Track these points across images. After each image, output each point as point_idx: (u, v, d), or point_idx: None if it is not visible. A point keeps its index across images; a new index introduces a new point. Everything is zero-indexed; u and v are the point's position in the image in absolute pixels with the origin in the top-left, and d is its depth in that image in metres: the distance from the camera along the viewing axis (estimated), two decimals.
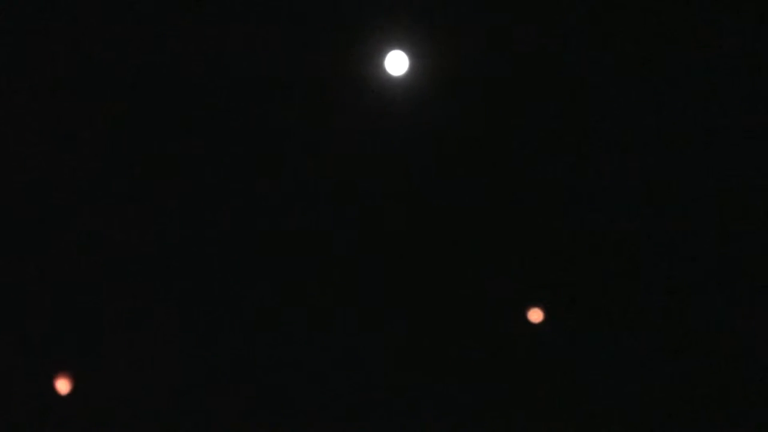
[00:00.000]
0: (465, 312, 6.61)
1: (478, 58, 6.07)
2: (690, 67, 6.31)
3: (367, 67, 5.96)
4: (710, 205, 6.44)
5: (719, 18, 6.20)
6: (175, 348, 6.51)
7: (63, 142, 6.25)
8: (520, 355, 6.63)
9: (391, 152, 6.22)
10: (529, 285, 6.57)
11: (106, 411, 6.46)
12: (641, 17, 6.16)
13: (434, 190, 6.38)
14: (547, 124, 6.29)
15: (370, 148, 6.19)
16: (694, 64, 6.30)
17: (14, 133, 6.21)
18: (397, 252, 6.51)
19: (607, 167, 6.39)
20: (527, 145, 6.32)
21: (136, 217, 6.35)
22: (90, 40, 6.10)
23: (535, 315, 6.54)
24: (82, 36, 6.08)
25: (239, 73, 6.11)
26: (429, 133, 6.20)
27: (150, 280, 6.43)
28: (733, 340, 6.52)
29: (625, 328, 6.57)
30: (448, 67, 6.01)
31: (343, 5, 5.93)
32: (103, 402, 6.46)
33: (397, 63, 5.84)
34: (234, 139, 6.24)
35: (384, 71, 5.90)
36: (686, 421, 6.56)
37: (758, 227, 6.45)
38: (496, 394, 6.64)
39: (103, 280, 6.40)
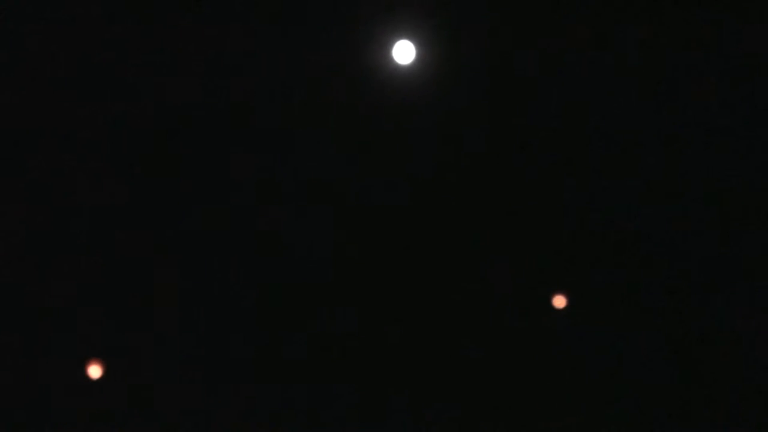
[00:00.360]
0: (473, 303, 6.64)
1: (484, 47, 6.11)
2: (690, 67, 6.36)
3: (376, 57, 6.01)
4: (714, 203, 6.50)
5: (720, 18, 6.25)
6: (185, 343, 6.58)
7: (63, 142, 6.29)
8: (533, 348, 6.67)
9: (398, 140, 6.27)
10: (536, 276, 6.60)
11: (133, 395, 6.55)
12: (646, 15, 6.21)
13: (441, 177, 6.43)
14: (554, 114, 6.32)
15: (378, 135, 6.25)
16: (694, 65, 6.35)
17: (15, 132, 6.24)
18: (404, 242, 6.55)
19: (613, 156, 6.44)
20: (534, 134, 6.36)
21: (138, 215, 6.40)
22: (90, 40, 6.12)
23: (559, 301, 6.58)
24: (82, 36, 6.11)
25: (247, 65, 6.13)
26: (436, 120, 6.24)
27: (157, 275, 6.48)
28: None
29: (634, 324, 6.61)
30: (454, 56, 6.06)
31: None
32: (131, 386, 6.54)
33: (404, 52, 5.89)
34: (242, 130, 6.28)
35: (392, 60, 5.96)
36: (690, 418, 6.59)
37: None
38: (507, 388, 6.67)
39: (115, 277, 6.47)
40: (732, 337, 6.54)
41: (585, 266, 6.58)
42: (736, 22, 6.23)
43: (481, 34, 6.08)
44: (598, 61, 6.23)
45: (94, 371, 6.37)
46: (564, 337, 6.64)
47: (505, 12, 6.07)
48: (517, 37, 6.13)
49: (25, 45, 6.13)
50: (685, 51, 6.29)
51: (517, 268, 6.59)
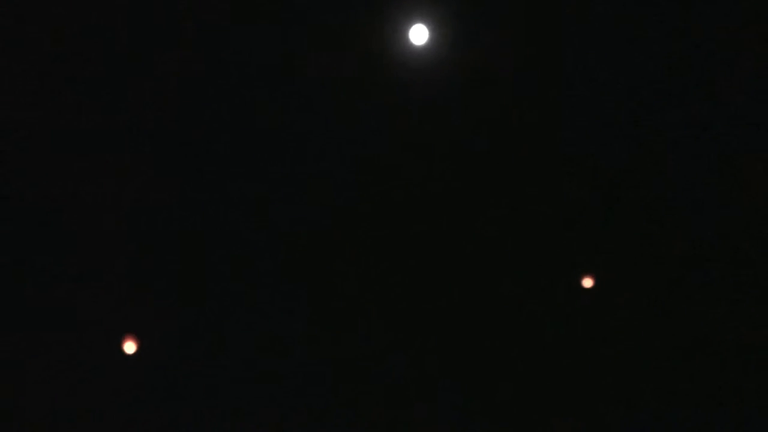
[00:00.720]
0: (499, 283, 6.67)
1: (494, 29, 6.21)
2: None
3: (392, 39, 6.15)
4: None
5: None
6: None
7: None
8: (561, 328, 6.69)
9: (414, 116, 6.36)
10: (564, 256, 6.63)
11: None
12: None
13: (458, 154, 6.50)
14: (570, 93, 6.36)
15: (395, 113, 6.35)
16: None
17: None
18: (423, 221, 6.59)
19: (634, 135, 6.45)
20: (549, 112, 6.39)
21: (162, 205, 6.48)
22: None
23: (587, 281, 6.63)
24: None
25: (267, 49, 6.21)
26: (449, 98, 6.33)
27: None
28: None
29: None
30: (465, 38, 6.17)
31: None
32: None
33: (419, 35, 6.04)
34: (266, 113, 6.34)
35: (408, 42, 6.12)
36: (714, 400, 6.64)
37: None
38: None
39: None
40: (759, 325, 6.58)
41: (612, 246, 6.61)
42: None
43: (491, 17, 6.18)
44: (613, 40, 6.26)
45: (129, 347, 6.46)
46: (592, 317, 6.66)
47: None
48: (525, 21, 6.23)
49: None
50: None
51: (542, 247, 6.62)
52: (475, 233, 6.59)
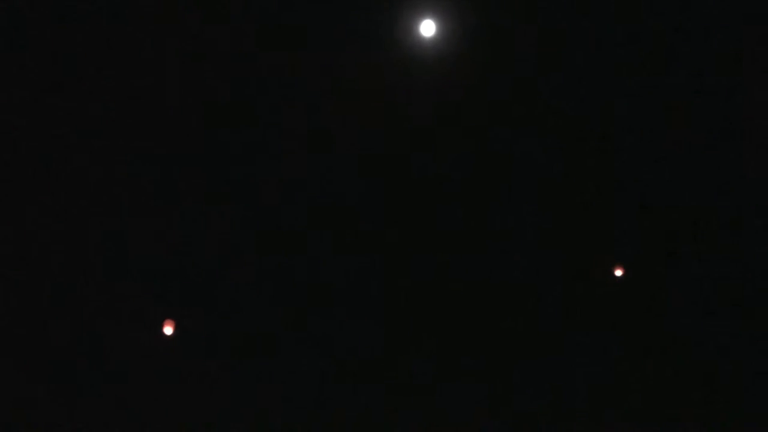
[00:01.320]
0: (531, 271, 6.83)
1: (493, 24, 6.38)
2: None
3: (405, 33, 6.37)
4: None
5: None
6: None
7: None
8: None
9: (423, 102, 6.53)
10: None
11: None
12: None
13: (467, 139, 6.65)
14: (571, 85, 6.48)
15: (406, 98, 6.52)
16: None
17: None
18: (430, 206, 6.74)
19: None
20: (551, 102, 6.55)
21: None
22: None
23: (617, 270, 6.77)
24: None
25: (268, 48, 6.40)
26: (458, 90, 6.52)
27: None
28: None
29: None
30: (468, 32, 6.38)
31: None
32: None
33: (428, 29, 6.30)
34: (269, 109, 6.54)
35: (418, 35, 6.37)
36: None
37: None
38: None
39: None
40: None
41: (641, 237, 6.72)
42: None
43: (491, 14, 6.36)
44: (616, 38, 6.41)
45: (168, 329, 6.69)
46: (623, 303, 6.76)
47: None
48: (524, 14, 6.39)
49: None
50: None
51: (545, 242, 6.77)
52: (481, 225, 6.75)
